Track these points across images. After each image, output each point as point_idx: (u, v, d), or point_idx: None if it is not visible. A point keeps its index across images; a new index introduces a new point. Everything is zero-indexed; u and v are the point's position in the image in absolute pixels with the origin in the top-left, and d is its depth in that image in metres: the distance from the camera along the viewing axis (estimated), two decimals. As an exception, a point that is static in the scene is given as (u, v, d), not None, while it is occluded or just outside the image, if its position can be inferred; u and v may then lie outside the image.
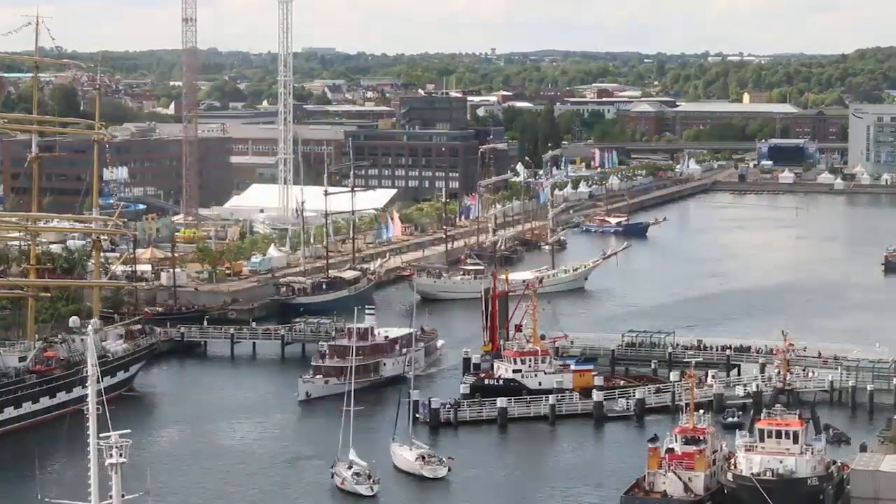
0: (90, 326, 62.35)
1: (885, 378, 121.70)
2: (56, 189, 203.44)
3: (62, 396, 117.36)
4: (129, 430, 57.43)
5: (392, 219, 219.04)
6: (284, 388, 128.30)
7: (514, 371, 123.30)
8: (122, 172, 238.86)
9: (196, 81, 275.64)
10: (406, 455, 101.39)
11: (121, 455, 56.30)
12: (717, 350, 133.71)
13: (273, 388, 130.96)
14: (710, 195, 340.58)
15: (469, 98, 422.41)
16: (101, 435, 56.92)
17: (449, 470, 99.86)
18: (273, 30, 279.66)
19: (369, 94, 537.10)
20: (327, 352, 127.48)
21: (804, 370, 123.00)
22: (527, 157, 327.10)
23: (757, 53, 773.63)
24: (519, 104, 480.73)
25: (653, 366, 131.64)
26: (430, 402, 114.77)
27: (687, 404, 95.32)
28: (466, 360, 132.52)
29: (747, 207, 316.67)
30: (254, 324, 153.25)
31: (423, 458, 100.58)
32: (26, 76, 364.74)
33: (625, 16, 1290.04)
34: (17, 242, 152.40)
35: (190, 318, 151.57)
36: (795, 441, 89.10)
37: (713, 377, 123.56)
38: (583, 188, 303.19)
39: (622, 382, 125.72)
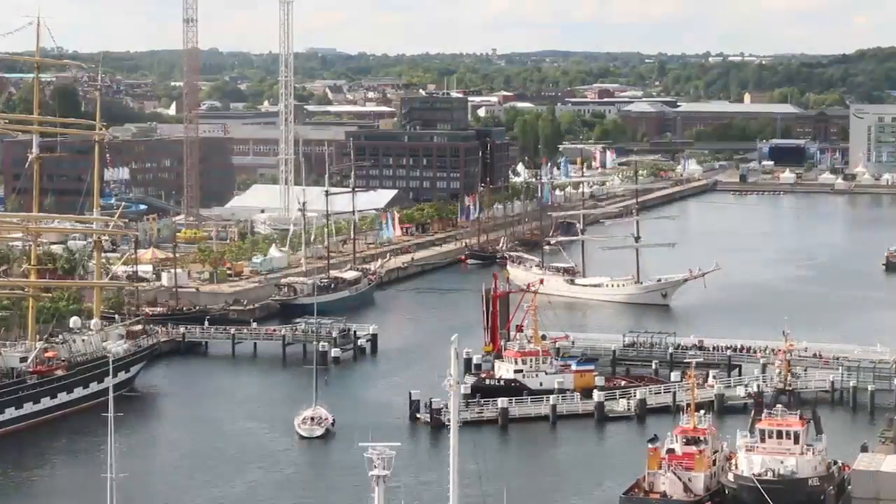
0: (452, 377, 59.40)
1: (885, 378, 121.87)
2: (57, 189, 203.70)
3: (63, 397, 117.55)
4: (398, 444, 56.39)
5: (392, 219, 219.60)
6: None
7: (516, 371, 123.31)
8: (122, 173, 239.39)
9: (197, 82, 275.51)
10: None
11: (384, 467, 55.42)
12: (717, 350, 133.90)
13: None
14: (711, 195, 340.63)
15: (470, 98, 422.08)
16: (362, 444, 55.83)
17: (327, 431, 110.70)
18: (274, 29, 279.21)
19: (370, 95, 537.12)
20: None
21: (805, 370, 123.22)
22: (527, 158, 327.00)
23: (758, 54, 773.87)
24: (520, 105, 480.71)
25: (654, 366, 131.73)
26: (430, 402, 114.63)
27: (687, 405, 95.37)
28: (468, 361, 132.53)
29: (747, 206, 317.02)
30: (254, 324, 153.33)
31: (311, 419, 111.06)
32: (27, 76, 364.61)
33: (625, 16, 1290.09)
34: (18, 243, 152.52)
35: (191, 319, 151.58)
36: (796, 441, 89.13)
37: (714, 377, 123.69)
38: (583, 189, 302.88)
39: (623, 383, 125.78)
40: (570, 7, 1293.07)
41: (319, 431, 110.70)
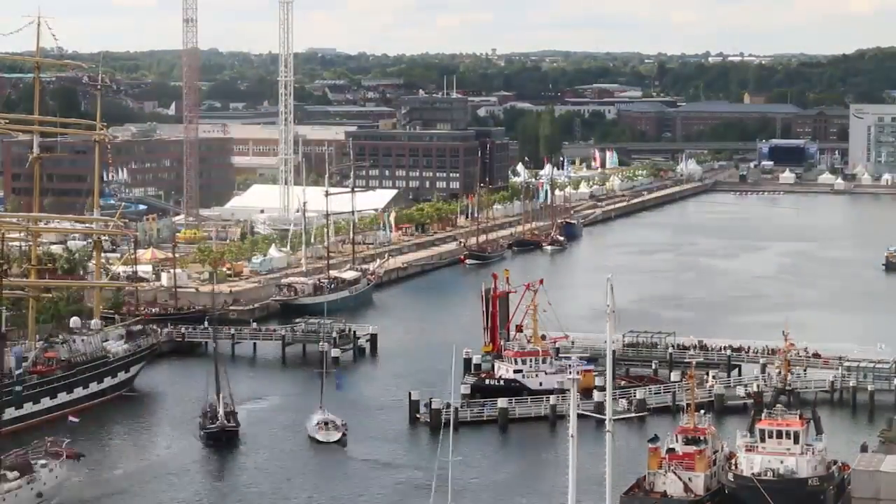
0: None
1: (885, 378, 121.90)
2: (57, 189, 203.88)
3: (63, 397, 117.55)
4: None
5: (390, 219, 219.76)
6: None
7: (515, 371, 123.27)
8: (122, 173, 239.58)
9: (197, 82, 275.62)
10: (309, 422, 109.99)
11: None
12: (717, 350, 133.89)
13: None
14: (711, 195, 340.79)
15: (470, 98, 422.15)
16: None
17: (343, 435, 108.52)
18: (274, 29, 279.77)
19: (370, 95, 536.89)
20: None
21: (805, 370, 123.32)
22: (526, 158, 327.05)
23: (757, 53, 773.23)
24: (520, 105, 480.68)
25: (654, 366, 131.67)
26: (430, 402, 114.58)
27: (688, 404, 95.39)
28: (467, 361, 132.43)
29: (746, 206, 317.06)
30: (254, 324, 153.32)
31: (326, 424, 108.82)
32: (28, 76, 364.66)
33: (625, 16, 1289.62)
34: (18, 243, 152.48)
35: (191, 319, 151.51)
36: (796, 441, 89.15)
37: (714, 377, 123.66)
38: (583, 189, 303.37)
39: (623, 383, 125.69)
40: (570, 7, 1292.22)
41: (336, 436, 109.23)
